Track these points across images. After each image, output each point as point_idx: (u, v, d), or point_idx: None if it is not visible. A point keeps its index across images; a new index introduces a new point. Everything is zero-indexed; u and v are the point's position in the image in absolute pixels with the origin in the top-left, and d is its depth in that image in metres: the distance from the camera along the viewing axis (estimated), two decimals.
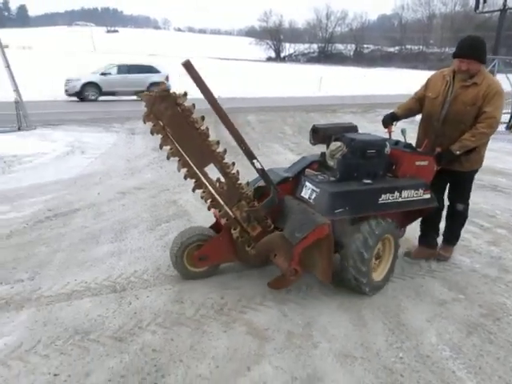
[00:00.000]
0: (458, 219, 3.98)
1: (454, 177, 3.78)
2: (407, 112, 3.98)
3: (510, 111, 14.02)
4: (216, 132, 5.90)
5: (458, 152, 3.50)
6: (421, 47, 72.44)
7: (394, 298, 3.39)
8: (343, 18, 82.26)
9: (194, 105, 2.95)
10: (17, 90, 7.07)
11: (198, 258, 3.42)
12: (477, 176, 3.89)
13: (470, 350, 2.81)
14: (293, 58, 77.12)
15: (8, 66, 7.61)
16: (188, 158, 3.07)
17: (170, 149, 3.02)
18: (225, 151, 3.18)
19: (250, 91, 24.32)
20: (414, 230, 4.21)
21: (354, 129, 3.65)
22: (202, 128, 3.01)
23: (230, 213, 3.31)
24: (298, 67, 55.43)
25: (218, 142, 3.12)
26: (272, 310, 3.13)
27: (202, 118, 2.99)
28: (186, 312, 3.07)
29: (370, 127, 3.21)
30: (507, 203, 5.90)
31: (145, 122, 2.89)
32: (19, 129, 7.46)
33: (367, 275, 3.23)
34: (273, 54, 79.13)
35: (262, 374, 2.50)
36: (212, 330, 2.88)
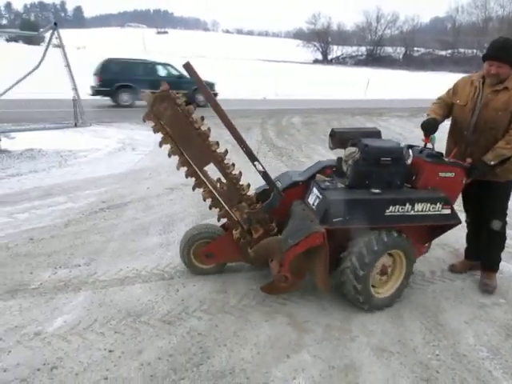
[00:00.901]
0: (495, 239, 3.56)
1: (487, 189, 3.43)
2: (444, 118, 3.58)
3: None
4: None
5: (492, 162, 3.21)
6: (474, 51, 70.00)
7: (433, 299, 3.42)
8: (394, 20, 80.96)
9: (195, 105, 3.06)
10: (75, 89, 7.53)
11: (204, 254, 3.51)
12: None
13: (507, 351, 2.83)
14: (340, 61, 76.44)
15: (68, 65, 8.09)
16: (188, 157, 3.14)
17: (171, 147, 3.11)
18: (226, 152, 3.22)
19: (296, 93, 24.42)
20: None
21: (376, 134, 3.44)
22: (201, 128, 3.07)
23: (231, 213, 3.34)
24: (345, 70, 54.84)
25: (217, 143, 3.17)
26: (312, 304, 3.25)
27: (202, 118, 3.07)
28: (229, 301, 3.24)
29: (418, 131, 3.22)
30: None
31: (144, 121, 3.01)
32: (76, 125, 7.93)
33: (364, 293, 3.05)
34: (320, 57, 78.74)
35: (300, 362, 2.62)
36: (254, 319, 3.03)
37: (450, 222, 3.14)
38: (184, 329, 2.89)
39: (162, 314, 3.05)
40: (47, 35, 7.83)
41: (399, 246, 3.09)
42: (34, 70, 7.64)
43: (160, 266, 3.76)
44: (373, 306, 3.15)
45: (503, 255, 3.68)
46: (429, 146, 3.44)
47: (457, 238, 4.25)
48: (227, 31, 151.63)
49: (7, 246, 4.05)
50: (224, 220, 3.49)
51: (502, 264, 3.97)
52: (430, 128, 3.39)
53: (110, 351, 2.65)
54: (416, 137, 3.62)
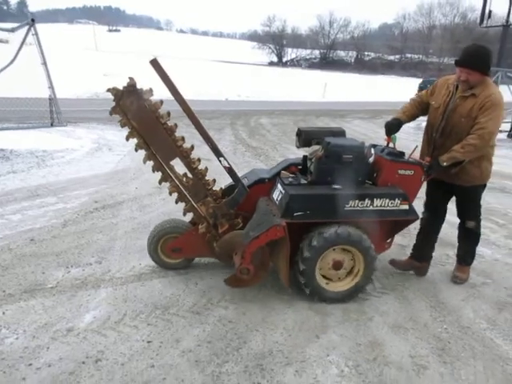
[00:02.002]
0: (468, 237, 3.72)
1: (457, 192, 3.58)
2: (412, 117, 3.66)
3: (510, 120, 14.44)
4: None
5: (444, 163, 3.25)
6: (420, 56, 73.19)
7: (430, 282, 3.73)
8: (346, 25, 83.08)
9: (161, 101, 3.11)
10: (52, 87, 7.36)
11: (171, 249, 3.55)
12: None
13: (503, 322, 3.19)
14: (294, 63, 77.68)
15: (44, 63, 7.90)
16: (154, 151, 3.21)
17: (137, 141, 3.18)
18: (192, 147, 3.29)
19: (258, 95, 24.67)
20: None
21: (341, 133, 3.54)
22: (167, 123, 3.14)
23: (197, 208, 3.40)
24: (300, 72, 55.86)
25: (183, 138, 3.24)
26: None
27: (168, 113, 3.15)
28: (250, 291, 3.38)
29: (382, 132, 3.45)
30: None
31: (111, 115, 3.08)
32: (52, 125, 7.72)
33: (309, 285, 3.17)
34: (275, 59, 79.67)
35: (330, 341, 2.83)
36: (277, 306, 3.21)
37: (408, 217, 3.24)
38: (214, 318, 3.02)
39: (188, 305, 3.16)
40: (22, 31, 7.62)
41: (347, 243, 3.13)
42: (6, 67, 7.42)
43: None
44: (325, 298, 3.23)
45: (482, 243, 4.01)
46: (391, 145, 3.55)
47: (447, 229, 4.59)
48: (181, 31, 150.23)
49: (9, 247, 4.00)
50: (192, 215, 3.56)
51: (482, 250, 4.40)
52: (391, 128, 3.52)
53: (149, 342, 2.74)
54: (380, 137, 3.85)
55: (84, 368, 2.49)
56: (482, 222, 3.69)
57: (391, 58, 76.40)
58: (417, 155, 3.53)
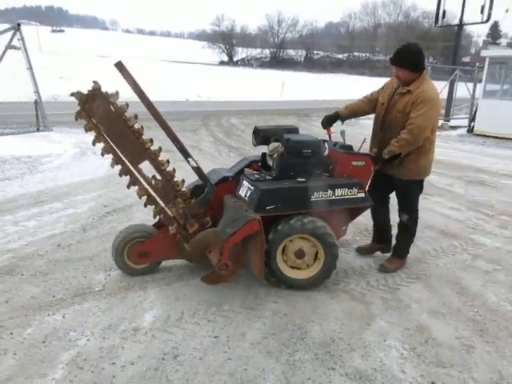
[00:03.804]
0: (402, 231, 3.94)
1: (396, 184, 3.80)
2: (354, 113, 3.93)
3: (468, 116, 15.48)
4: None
5: (386, 156, 3.53)
6: (368, 54, 75.84)
7: (448, 270, 4.08)
8: (294, 24, 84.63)
9: (127, 104, 3.07)
10: (37, 91, 7.17)
11: (137, 254, 3.51)
12: (462, 173, 4.35)
13: None
14: (245, 63, 78.17)
15: (30, 68, 7.69)
16: (122, 155, 3.17)
17: (104, 146, 3.13)
18: (160, 149, 3.30)
19: (217, 95, 24.73)
20: None
21: (294, 130, 3.75)
22: (135, 126, 3.12)
23: (167, 209, 3.41)
24: (253, 71, 56.31)
25: (151, 140, 3.23)
26: (360, 281, 3.74)
27: (135, 116, 3.11)
28: None
29: (350, 130, 3.68)
30: (499, 195, 6.82)
31: (76, 119, 3.03)
32: (38, 130, 7.49)
33: (273, 275, 3.39)
34: (225, 58, 79.72)
35: (380, 327, 3.08)
36: (321, 297, 3.43)
37: (365, 204, 3.55)
38: (268, 312, 3.19)
39: (239, 301, 3.31)
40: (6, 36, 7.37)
41: (304, 232, 3.32)
42: None
43: None
44: (291, 285, 3.45)
45: (481, 233, 4.33)
46: (339, 139, 3.81)
47: (445, 221, 5.01)
48: (127, 31, 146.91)
49: (38, 253, 3.98)
50: (156, 220, 3.65)
51: (483, 239, 4.82)
52: (326, 121, 3.91)
53: (216, 337, 2.88)
54: (351, 134, 4.06)
55: (166, 364, 2.60)
56: (474, 214, 4.07)
57: (339, 56, 78.60)
58: (366, 147, 3.84)
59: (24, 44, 7.46)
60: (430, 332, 3.05)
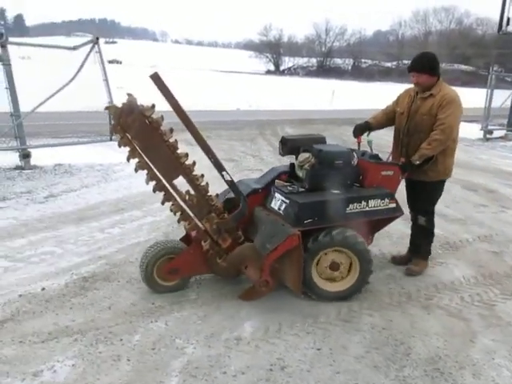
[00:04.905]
0: (421, 233, 4.01)
1: (419, 187, 3.84)
2: (381, 124, 4.07)
3: None
4: None
5: (417, 162, 3.60)
6: None
7: (475, 252, 4.50)
8: (342, 33, 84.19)
9: (162, 117, 2.96)
10: (111, 102, 7.49)
11: (168, 271, 3.41)
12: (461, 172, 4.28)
13: None
14: (292, 72, 78.38)
15: (106, 80, 8.06)
16: (157, 171, 3.07)
17: (138, 162, 3.03)
18: (194, 163, 3.18)
19: (267, 104, 24.84)
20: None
21: (321, 140, 3.73)
22: (170, 140, 3.02)
23: (200, 225, 3.31)
24: (300, 80, 56.37)
25: (186, 155, 3.13)
26: (453, 296, 3.64)
27: (171, 130, 3.00)
28: (383, 299, 3.54)
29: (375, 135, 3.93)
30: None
31: (112, 135, 3.03)
32: (111, 139, 7.81)
33: (308, 287, 3.33)
34: (272, 67, 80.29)
35: (485, 345, 2.98)
36: (416, 312, 3.36)
37: (396, 214, 3.54)
38: (365, 325, 3.16)
39: (334, 314, 3.29)
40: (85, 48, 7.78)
41: (346, 245, 3.30)
42: (69, 82, 7.56)
43: None
44: (322, 297, 3.39)
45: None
46: (367, 148, 3.87)
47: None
48: (176, 41, 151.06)
49: (129, 260, 4.10)
50: (182, 234, 3.59)
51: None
52: (357, 130, 3.95)
53: (318, 349, 2.88)
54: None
55: (275, 375, 2.62)
56: None
57: (388, 64, 77.28)
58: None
59: (101, 56, 7.80)
60: None
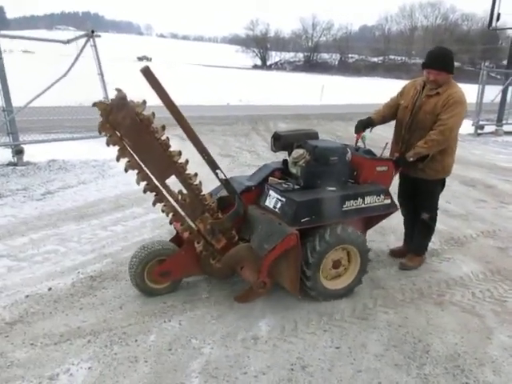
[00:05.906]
0: (422, 229, 4.00)
1: (419, 185, 3.83)
2: (383, 119, 3.98)
3: None
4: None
5: (411, 159, 3.57)
6: (404, 58, 74.77)
7: (480, 247, 4.51)
8: (329, 28, 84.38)
9: (153, 113, 2.80)
10: (106, 97, 7.34)
11: (159, 274, 3.28)
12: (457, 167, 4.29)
13: None
14: (279, 66, 78.29)
15: (101, 74, 7.89)
16: (148, 171, 2.90)
17: (128, 161, 2.83)
18: (186, 162, 3.05)
19: (257, 99, 24.74)
20: None
21: (314, 135, 3.63)
22: (162, 138, 2.87)
23: (194, 226, 3.19)
24: (286, 75, 56.28)
25: (179, 153, 2.98)
26: (464, 292, 3.65)
27: (163, 127, 2.86)
28: (396, 295, 3.53)
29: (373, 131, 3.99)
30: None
31: (100, 133, 2.72)
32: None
33: (313, 288, 3.25)
34: (258, 62, 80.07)
35: (502, 342, 2.99)
36: (430, 309, 3.36)
37: (391, 210, 3.52)
38: (381, 323, 3.15)
39: (348, 311, 3.27)
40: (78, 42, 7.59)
41: (350, 241, 3.27)
42: (62, 76, 7.39)
43: None
44: (321, 294, 3.31)
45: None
46: (360, 143, 3.84)
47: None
48: (162, 35, 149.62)
49: None
50: (172, 234, 3.48)
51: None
52: (359, 126, 3.88)
53: (337, 347, 2.85)
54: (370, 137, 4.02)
55: (297, 375, 2.58)
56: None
57: (374, 59, 77.69)
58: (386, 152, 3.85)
59: (96, 51, 7.62)
60: None
